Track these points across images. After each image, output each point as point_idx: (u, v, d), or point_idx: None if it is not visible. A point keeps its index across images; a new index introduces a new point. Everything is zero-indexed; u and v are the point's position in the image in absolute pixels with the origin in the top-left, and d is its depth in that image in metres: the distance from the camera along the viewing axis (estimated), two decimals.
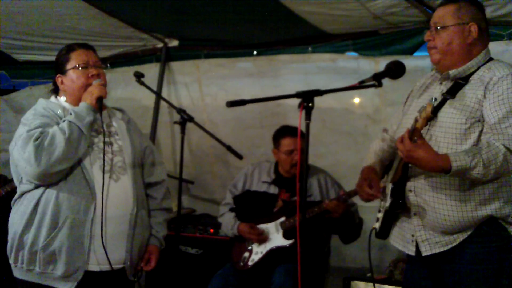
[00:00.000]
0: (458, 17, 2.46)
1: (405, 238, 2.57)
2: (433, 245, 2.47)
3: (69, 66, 2.72)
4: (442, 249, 2.46)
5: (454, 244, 2.44)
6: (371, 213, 2.73)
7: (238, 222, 3.89)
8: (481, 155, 2.26)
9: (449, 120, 2.41)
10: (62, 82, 2.75)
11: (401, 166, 2.50)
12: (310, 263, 3.59)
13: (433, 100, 2.31)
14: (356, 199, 3.79)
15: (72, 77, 2.72)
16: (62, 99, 2.76)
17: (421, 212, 2.48)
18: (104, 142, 2.69)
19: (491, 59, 2.51)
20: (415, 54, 4.11)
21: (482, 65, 2.48)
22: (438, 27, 2.48)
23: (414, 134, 2.30)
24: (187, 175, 4.94)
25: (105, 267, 2.66)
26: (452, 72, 2.49)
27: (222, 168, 5.01)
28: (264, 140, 4.14)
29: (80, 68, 2.70)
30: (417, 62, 4.00)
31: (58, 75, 2.75)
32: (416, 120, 2.33)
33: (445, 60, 2.49)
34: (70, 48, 2.76)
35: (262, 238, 3.78)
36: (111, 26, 4.55)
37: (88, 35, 4.65)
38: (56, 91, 2.81)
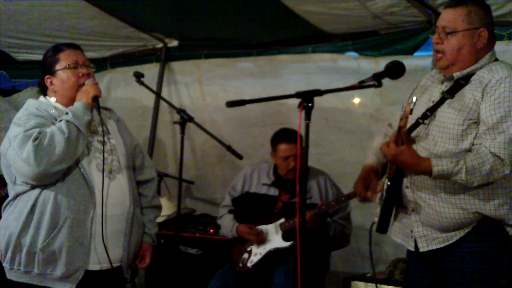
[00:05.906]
0: (469, 22, 2.38)
1: (405, 233, 2.57)
2: (430, 241, 2.48)
3: (58, 66, 2.71)
4: (439, 246, 2.46)
5: (451, 242, 2.44)
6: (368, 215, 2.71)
7: (237, 223, 3.88)
8: (465, 162, 2.27)
9: (446, 120, 2.40)
10: (51, 83, 2.74)
11: None
12: (310, 263, 3.58)
13: (413, 100, 2.33)
14: (353, 202, 3.80)
15: (62, 77, 2.71)
16: (52, 99, 2.75)
17: (418, 208, 2.48)
18: (103, 142, 2.69)
19: (496, 60, 2.47)
20: (415, 54, 4.10)
21: (486, 65, 2.44)
22: (447, 32, 2.41)
23: (400, 135, 2.34)
24: (189, 175, 4.95)
25: (106, 265, 2.67)
26: (456, 74, 2.46)
27: (224, 168, 5.00)
28: (267, 139, 4.14)
29: (70, 68, 2.70)
30: (417, 62, 4.00)
31: (47, 76, 2.74)
32: (401, 119, 2.35)
33: (454, 66, 2.45)
34: (57, 49, 2.75)
35: (261, 238, 3.78)
36: (111, 25, 4.55)
37: (88, 35, 4.66)
38: (43, 92, 2.79)
